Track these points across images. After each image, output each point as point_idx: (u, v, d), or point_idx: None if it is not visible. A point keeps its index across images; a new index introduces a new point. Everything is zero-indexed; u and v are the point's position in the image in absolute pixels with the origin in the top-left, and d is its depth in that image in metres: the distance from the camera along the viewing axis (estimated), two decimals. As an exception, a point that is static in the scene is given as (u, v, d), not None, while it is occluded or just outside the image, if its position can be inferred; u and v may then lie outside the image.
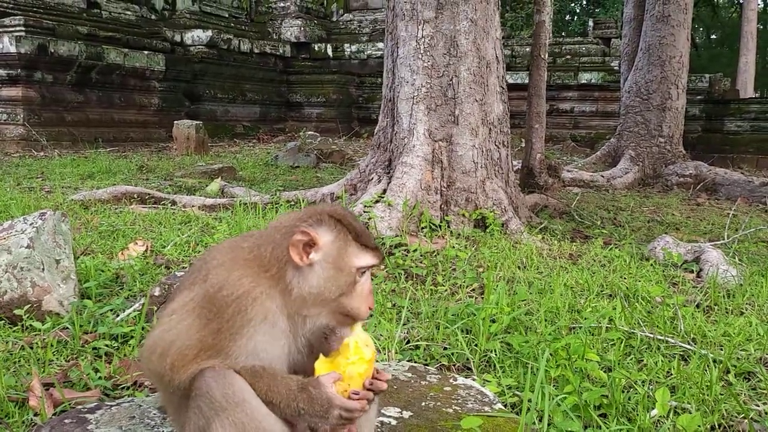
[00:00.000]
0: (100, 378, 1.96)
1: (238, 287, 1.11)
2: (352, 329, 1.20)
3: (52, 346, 2.18)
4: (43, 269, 2.51)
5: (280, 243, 1.16)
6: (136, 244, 3.50)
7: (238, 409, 1.06)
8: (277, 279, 1.14)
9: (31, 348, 2.16)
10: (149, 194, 5.26)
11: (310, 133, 10.87)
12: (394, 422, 1.52)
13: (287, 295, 1.15)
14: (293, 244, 1.13)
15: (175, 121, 10.06)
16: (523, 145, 7.15)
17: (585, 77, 13.22)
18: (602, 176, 8.18)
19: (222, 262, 1.16)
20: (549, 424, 1.61)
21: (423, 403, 1.60)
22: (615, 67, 12.69)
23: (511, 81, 11.06)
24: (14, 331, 2.33)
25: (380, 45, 13.78)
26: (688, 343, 2.38)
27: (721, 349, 2.34)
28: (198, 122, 10.02)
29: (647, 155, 8.65)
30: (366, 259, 1.17)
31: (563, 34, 23.16)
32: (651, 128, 8.71)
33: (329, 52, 15.35)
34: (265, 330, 1.13)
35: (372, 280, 3.06)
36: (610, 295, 3.00)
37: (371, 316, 2.39)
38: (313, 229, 1.15)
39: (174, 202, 5.08)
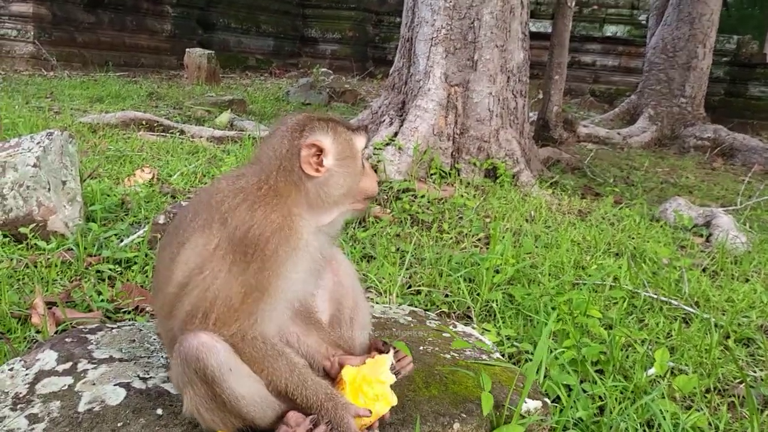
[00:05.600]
0: (102, 300, 1.97)
1: (270, 222, 1.11)
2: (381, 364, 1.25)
3: (56, 266, 2.19)
4: (49, 189, 2.49)
5: (288, 167, 1.16)
6: (143, 171, 3.47)
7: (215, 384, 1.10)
8: (298, 202, 1.16)
9: (35, 267, 2.17)
10: (158, 122, 5.20)
11: (323, 70, 10.65)
12: (391, 364, 1.52)
13: (313, 209, 1.18)
14: (305, 162, 1.15)
15: (187, 49, 9.85)
16: (540, 96, 6.99)
17: (610, 30, 12.80)
18: (619, 133, 8.03)
19: (236, 204, 1.13)
20: (545, 377, 1.61)
21: (421, 348, 1.60)
22: (642, 22, 12.26)
23: (532, 29, 10.70)
24: (19, 249, 2.33)
25: (401, -18, 13.31)
26: (691, 306, 2.37)
27: (724, 314, 2.33)
28: (210, 51, 9.81)
29: (666, 115, 8.46)
30: (362, 138, 1.24)
31: (591, -17, 22.27)
32: (673, 87, 8.49)
33: (348, -14, 14.86)
34: (305, 254, 1.15)
35: (378, 222, 3.05)
36: (617, 254, 2.98)
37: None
38: (316, 138, 1.17)
39: (182, 132, 5.03)
